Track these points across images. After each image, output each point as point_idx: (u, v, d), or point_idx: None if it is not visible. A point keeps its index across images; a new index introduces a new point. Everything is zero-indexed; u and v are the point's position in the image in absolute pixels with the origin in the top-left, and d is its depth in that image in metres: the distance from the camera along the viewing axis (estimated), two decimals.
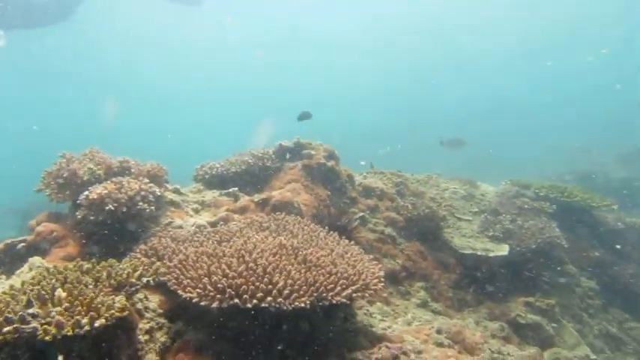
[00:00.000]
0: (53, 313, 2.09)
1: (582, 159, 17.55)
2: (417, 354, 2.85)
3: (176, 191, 4.85)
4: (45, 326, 2.02)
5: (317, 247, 3.39)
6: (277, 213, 4.21)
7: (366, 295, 3.02)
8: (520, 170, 15.60)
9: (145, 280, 2.72)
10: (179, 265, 2.99)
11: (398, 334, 3.59)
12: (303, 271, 2.91)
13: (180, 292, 2.78)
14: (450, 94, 47.87)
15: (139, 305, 2.86)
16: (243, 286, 2.66)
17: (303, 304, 2.64)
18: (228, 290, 2.64)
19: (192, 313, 2.93)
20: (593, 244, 7.26)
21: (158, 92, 49.23)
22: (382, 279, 3.22)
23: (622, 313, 6.58)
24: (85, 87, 41.87)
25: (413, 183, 7.41)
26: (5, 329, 1.96)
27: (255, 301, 2.60)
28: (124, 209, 3.72)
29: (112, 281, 2.53)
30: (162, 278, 2.92)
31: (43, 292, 2.18)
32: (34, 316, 2.05)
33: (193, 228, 4.01)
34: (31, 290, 2.21)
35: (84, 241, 3.73)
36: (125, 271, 2.61)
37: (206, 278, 2.76)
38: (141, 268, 2.76)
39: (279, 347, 2.81)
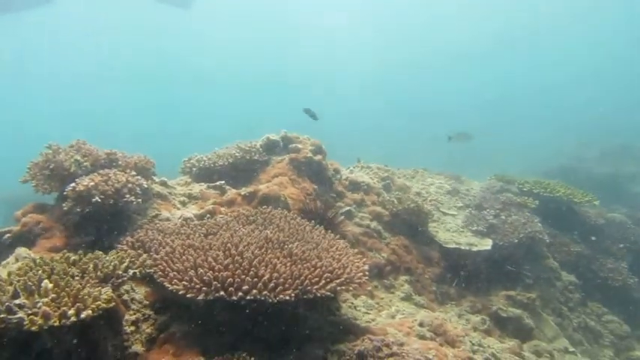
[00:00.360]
0: (40, 304, 2.11)
1: (566, 154, 17.80)
2: (399, 346, 2.92)
3: (163, 184, 4.84)
4: (31, 317, 2.04)
5: (303, 240, 3.44)
6: (264, 206, 4.24)
7: (350, 288, 3.08)
8: (506, 165, 15.76)
9: (131, 272, 2.75)
10: (165, 258, 3.02)
11: (381, 326, 3.67)
12: (288, 264, 2.96)
13: (166, 284, 2.81)
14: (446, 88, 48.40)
15: (126, 297, 2.89)
16: (229, 279, 2.70)
17: (287, 297, 2.69)
18: (214, 283, 2.68)
19: (179, 305, 2.96)
20: (574, 239, 7.40)
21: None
22: (366, 273, 3.27)
23: (601, 306, 6.75)
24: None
25: (399, 177, 7.48)
26: None
27: (240, 293, 2.65)
28: (111, 201, 3.73)
29: (99, 273, 2.56)
30: (148, 270, 2.95)
31: (29, 283, 2.20)
32: (20, 306, 2.07)
33: (180, 220, 4.03)
34: (18, 281, 2.23)
35: (70, 233, 3.72)
36: (112, 263, 2.64)
37: (192, 271, 2.79)
38: (127, 260, 2.79)
39: (264, 338, 2.87)
